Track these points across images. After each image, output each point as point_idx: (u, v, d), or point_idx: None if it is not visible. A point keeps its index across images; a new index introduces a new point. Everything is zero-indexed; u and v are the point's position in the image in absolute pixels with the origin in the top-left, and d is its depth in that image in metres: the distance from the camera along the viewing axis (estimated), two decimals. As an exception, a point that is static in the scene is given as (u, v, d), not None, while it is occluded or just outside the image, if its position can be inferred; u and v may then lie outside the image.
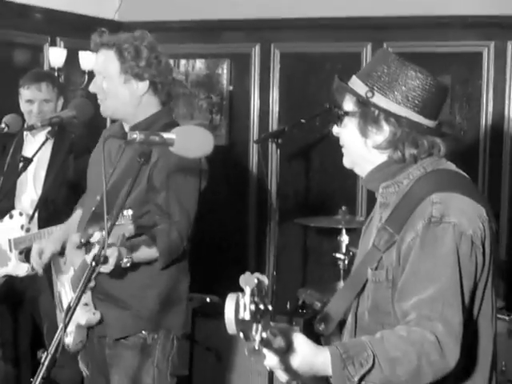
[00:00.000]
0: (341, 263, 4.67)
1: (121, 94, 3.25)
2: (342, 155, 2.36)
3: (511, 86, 5.53)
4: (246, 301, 1.71)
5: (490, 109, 5.57)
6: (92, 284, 3.14)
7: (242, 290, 1.73)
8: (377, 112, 2.22)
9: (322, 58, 5.89)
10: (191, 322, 4.85)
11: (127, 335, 3.30)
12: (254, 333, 1.73)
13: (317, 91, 5.78)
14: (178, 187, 3.20)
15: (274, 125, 6.00)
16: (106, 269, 2.87)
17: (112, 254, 2.88)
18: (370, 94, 2.22)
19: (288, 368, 1.93)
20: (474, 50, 5.61)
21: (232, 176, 6.10)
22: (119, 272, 3.10)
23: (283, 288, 4.84)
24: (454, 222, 2.11)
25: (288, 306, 4.98)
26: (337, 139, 2.35)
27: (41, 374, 2.15)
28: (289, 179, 5.81)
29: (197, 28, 6.15)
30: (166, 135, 2.46)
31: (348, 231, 4.70)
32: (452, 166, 2.31)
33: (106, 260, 2.49)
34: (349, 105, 2.28)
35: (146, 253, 3.13)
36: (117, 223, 2.57)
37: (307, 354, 1.93)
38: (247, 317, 1.71)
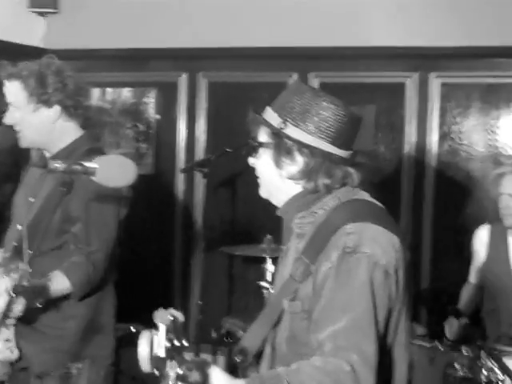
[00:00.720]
0: (265, 292, 4.67)
1: (32, 123, 3.23)
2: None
3: (433, 117, 5.64)
4: (160, 338, 1.70)
5: (413, 139, 5.66)
6: (12, 321, 3.09)
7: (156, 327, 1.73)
8: (290, 143, 2.24)
9: (249, 87, 5.92)
10: (116, 352, 4.80)
11: (49, 370, 3.25)
12: (168, 369, 1.72)
13: (243, 120, 5.73)
14: (95, 216, 3.16)
15: (200, 154, 6.00)
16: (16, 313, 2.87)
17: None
18: (282, 126, 2.24)
19: None
20: (397, 81, 5.71)
21: (158, 205, 6.08)
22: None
23: (208, 317, 4.83)
24: (368, 252, 2.13)
25: (213, 334, 4.97)
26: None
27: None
28: (215, 208, 5.81)
29: (124, 56, 6.14)
30: (87, 164, 2.45)
31: (273, 260, 4.71)
32: (366, 196, 2.33)
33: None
34: (263, 136, 2.30)
35: (60, 287, 3.08)
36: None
37: None
38: (161, 354, 1.70)
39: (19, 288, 2.74)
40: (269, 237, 4.90)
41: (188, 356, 1.81)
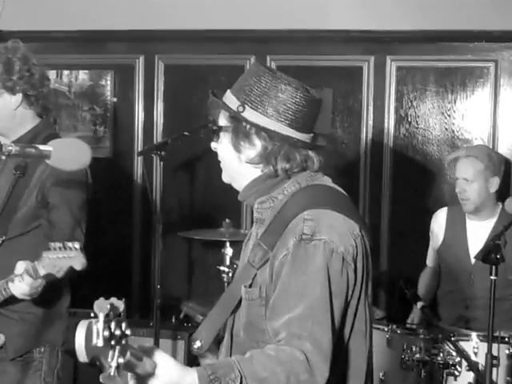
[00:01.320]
0: (225, 276, 4.68)
1: None
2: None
3: (390, 100, 5.66)
4: (98, 327, 1.67)
5: (371, 122, 5.68)
6: None
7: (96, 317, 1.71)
8: (248, 127, 2.22)
9: (206, 70, 5.90)
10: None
11: (19, 354, 3.27)
12: (110, 359, 1.69)
13: (200, 104, 5.78)
14: (69, 202, 3.17)
15: (158, 137, 5.96)
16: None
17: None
18: (241, 109, 2.22)
19: None
20: (354, 65, 5.72)
21: (116, 188, 6.03)
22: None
23: (168, 301, 4.82)
24: (325, 239, 2.11)
25: (173, 319, 4.96)
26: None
27: None
28: (173, 192, 5.79)
29: (80, 38, 6.07)
30: (42, 147, 2.43)
31: (232, 244, 4.72)
32: (327, 181, 2.32)
33: None
34: (222, 120, 2.29)
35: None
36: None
37: (174, 376, 1.89)
38: (100, 343, 1.67)
39: None
40: (228, 221, 4.90)
41: (133, 344, 1.79)
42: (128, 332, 1.73)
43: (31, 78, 3.20)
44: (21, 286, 2.95)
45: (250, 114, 2.21)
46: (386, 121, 5.66)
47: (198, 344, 2.29)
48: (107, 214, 5.93)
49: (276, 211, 2.24)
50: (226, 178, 2.37)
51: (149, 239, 5.95)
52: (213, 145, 2.34)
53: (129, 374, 1.85)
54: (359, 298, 2.20)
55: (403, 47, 5.65)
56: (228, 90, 2.30)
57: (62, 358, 3.38)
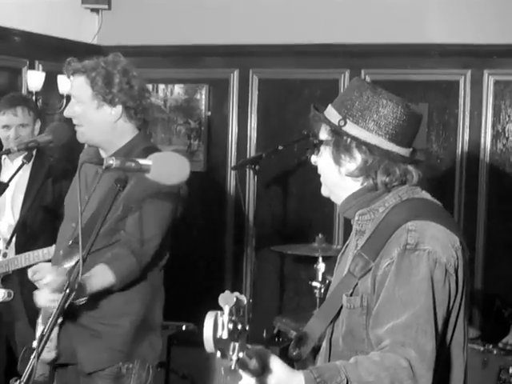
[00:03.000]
0: (317, 291, 4.66)
1: (94, 119, 3.22)
2: (319, 182, 2.37)
3: (487, 115, 5.57)
4: (224, 319, 1.72)
5: (466, 137, 5.61)
6: (60, 320, 3.09)
7: (221, 310, 1.74)
8: (349, 140, 2.23)
9: (301, 84, 5.91)
10: (167, 350, 4.81)
11: (101, 369, 3.23)
12: (231, 352, 1.73)
13: (295, 118, 5.80)
14: (151, 210, 3.15)
15: (251, 151, 5.99)
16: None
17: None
18: (342, 123, 2.24)
19: None
20: (450, 79, 5.65)
21: (209, 202, 6.08)
22: (91, 302, 3.07)
23: (259, 316, 4.82)
24: (429, 249, 2.12)
25: (264, 334, 4.96)
26: (315, 167, 2.36)
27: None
28: (266, 206, 5.81)
29: (176, 53, 6.16)
30: (142, 161, 2.46)
31: (324, 259, 4.69)
32: (427, 195, 2.32)
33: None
34: (324, 134, 2.30)
35: (100, 280, 3.06)
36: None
37: (282, 377, 1.92)
38: (225, 335, 1.72)
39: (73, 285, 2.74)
40: (320, 236, 4.87)
41: (248, 343, 1.82)
42: (247, 328, 1.76)
43: (131, 90, 3.21)
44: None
45: (351, 128, 2.23)
46: (482, 136, 5.57)
47: (297, 350, 2.31)
48: (201, 228, 5.98)
49: (377, 223, 2.25)
50: (324, 191, 2.38)
51: (241, 253, 5.98)
52: (313, 158, 2.36)
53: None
54: (459, 310, 2.20)
55: (501, 61, 5.57)
56: (329, 105, 2.32)
57: (153, 374, 3.32)
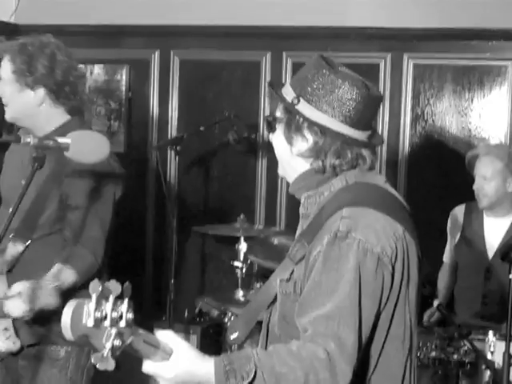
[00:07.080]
0: (239, 271, 4.67)
1: (18, 101, 3.18)
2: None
3: (407, 98, 5.64)
4: (89, 308, 1.70)
5: (387, 119, 5.66)
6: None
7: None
8: (301, 120, 2.17)
9: (222, 65, 5.88)
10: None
11: (38, 342, 3.21)
12: (103, 341, 1.71)
13: (216, 99, 5.78)
14: (95, 205, 3.17)
15: (173, 132, 5.94)
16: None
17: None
18: (295, 101, 2.17)
19: (169, 376, 1.89)
20: (371, 62, 5.69)
21: (130, 183, 6.01)
22: None
23: (182, 296, 4.81)
24: (360, 238, 2.05)
25: (186, 314, 4.96)
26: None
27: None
28: (188, 187, 5.79)
29: (95, 33, 6.07)
30: (60, 139, 2.44)
31: (246, 239, 4.71)
32: (379, 180, 2.25)
33: None
34: (278, 112, 2.25)
35: (69, 279, 3.08)
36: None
37: (187, 363, 1.89)
38: (90, 323, 1.69)
39: None
40: (242, 216, 4.88)
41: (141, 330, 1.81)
42: (130, 316, 1.73)
43: (53, 74, 3.14)
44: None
45: (304, 107, 2.16)
46: (402, 118, 5.64)
47: (234, 335, 2.28)
48: (121, 209, 5.92)
49: (320, 207, 2.19)
50: (279, 170, 2.33)
51: (162, 234, 5.94)
52: (270, 137, 2.31)
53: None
54: (397, 303, 2.12)
55: (420, 45, 5.62)
56: (288, 82, 2.26)
57: (90, 362, 3.28)
